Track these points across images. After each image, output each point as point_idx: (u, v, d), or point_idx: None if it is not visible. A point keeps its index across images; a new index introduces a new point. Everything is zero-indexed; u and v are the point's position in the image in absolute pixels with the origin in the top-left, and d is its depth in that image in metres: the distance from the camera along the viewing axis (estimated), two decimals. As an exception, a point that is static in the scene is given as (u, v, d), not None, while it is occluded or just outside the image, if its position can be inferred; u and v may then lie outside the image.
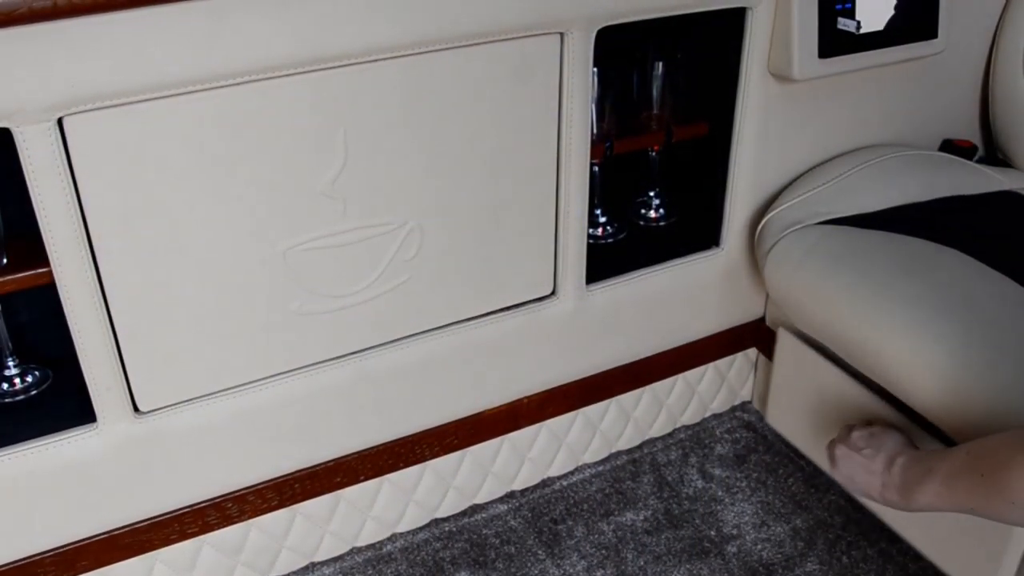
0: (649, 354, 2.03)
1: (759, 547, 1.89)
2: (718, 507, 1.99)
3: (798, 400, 1.99)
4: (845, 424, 1.67)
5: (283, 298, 1.53)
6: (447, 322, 1.73)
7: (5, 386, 1.60)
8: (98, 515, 1.57)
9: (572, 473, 2.08)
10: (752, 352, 2.19)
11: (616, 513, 1.98)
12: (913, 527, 1.78)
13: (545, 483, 2.05)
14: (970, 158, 2.09)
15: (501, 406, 1.88)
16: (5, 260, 1.43)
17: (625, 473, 2.08)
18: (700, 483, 2.05)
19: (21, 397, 1.59)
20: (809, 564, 1.85)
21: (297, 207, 1.47)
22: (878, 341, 1.65)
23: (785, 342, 1.97)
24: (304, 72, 1.38)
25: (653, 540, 1.91)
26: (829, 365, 1.84)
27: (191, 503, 1.64)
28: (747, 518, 1.96)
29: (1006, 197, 1.95)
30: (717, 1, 1.67)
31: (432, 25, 1.43)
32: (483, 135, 1.58)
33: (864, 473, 1.54)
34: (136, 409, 1.52)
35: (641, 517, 1.97)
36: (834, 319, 1.74)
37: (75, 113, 1.26)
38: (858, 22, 1.76)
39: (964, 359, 1.53)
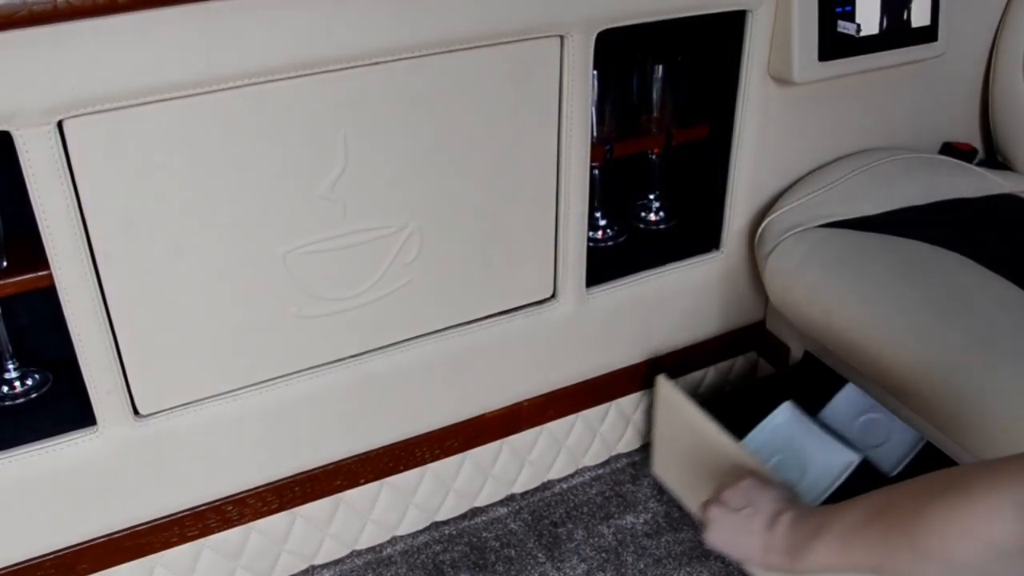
0: (649, 357, 2.03)
1: (759, 550, 1.89)
2: (718, 510, 1.99)
3: (678, 452, 1.90)
4: (719, 483, 1.54)
5: (283, 301, 1.53)
6: (447, 325, 1.73)
7: (5, 389, 1.60)
8: (98, 518, 1.57)
9: (572, 476, 2.08)
10: (752, 355, 2.19)
11: (616, 516, 1.98)
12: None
13: (545, 486, 2.05)
14: (970, 161, 2.09)
15: (501, 409, 1.88)
16: (5, 263, 1.43)
17: (625, 476, 2.08)
18: (700, 486, 2.06)
19: (21, 400, 1.59)
20: (809, 567, 1.85)
21: (297, 210, 1.47)
22: (878, 344, 1.65)
23: (663, 391, 1.88)
24: (304, 75, 1.38)
25: (653, 543, 1.91)
26: (705, 418, 1.74)
27: (191, 506, 1.64)
28: (747, 521, 1.96)
29: (1006, 200, 1.95)
30: (717, 4, 1.67)
31: (432, 28, 1.43)
32: (483, 138, 1.58)
33: (743, 535, 1.39)
34: (136, 412, 1.52)
35: (641, 520, 1.97)
36: (834, 322, 1.74)
37: (75, 116, 1.26)
38: (858, 25, 1.76)
39: (964, 362, 1.53)
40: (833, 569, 1.23)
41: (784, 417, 1.82)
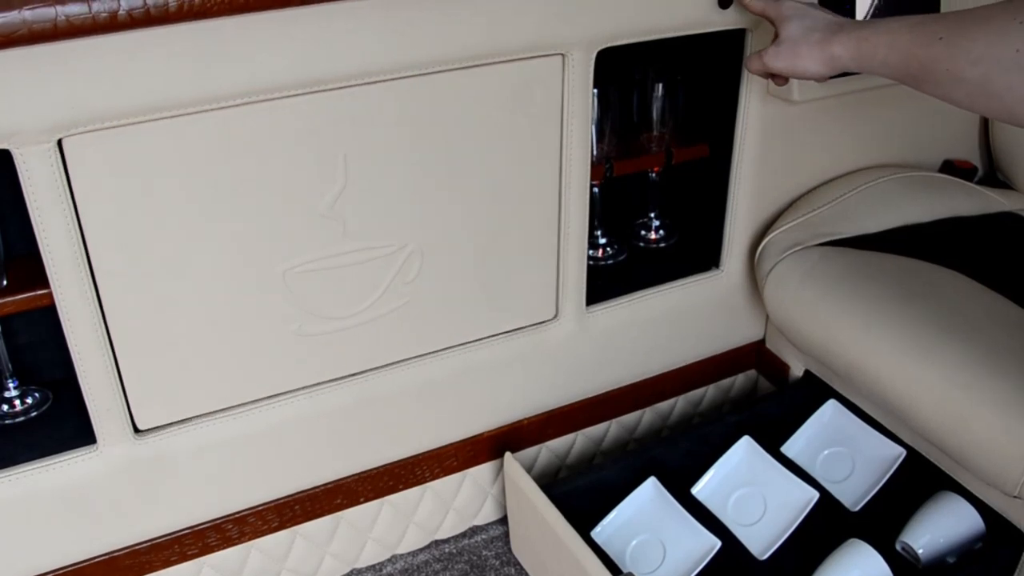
0: (650, 375, 2.03)
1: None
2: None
3: (529, 535, 1.82)
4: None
5: (283, 319, 1.53)
6: (448, 345, 1.73)
7: (5, 407, 1.60)
8: (98, 537, 1.57)
9: (573, 494, 2.07)
10: (752, 374, 2.19)
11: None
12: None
13: (546, 505, 2.05)
14: (970, 179, 2.09)
15: (501, 427, 1.88)
16: (5, 282, 1.43)
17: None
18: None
19: (21, 419, 1.59)
20: None
21: (297, 228, 1.47)
22: (877, 363, 1.65)
23: (512, 473, 1.78)
24: (305, 93, 1.38)
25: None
26: (550, 507, 1.67)
27: (191, 525, 1.64)
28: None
29: (1006, 218, 1.95)
30: (716, 23, 1.68)
31: (434, 47, 1.43)
32: (484, 157, 1.58)
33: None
34: (136, 430, 1.52)
35: (642, 539, 1.96)
36: (833, 341, 1.74)
37: (75, 134, 1.26)
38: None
39: (964, 381, 1.53)
40: (884, 54, 1.28)
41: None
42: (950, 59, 1.17)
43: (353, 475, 1.76)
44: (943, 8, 1.88)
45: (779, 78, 1.53)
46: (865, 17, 1.79)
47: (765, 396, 2.13)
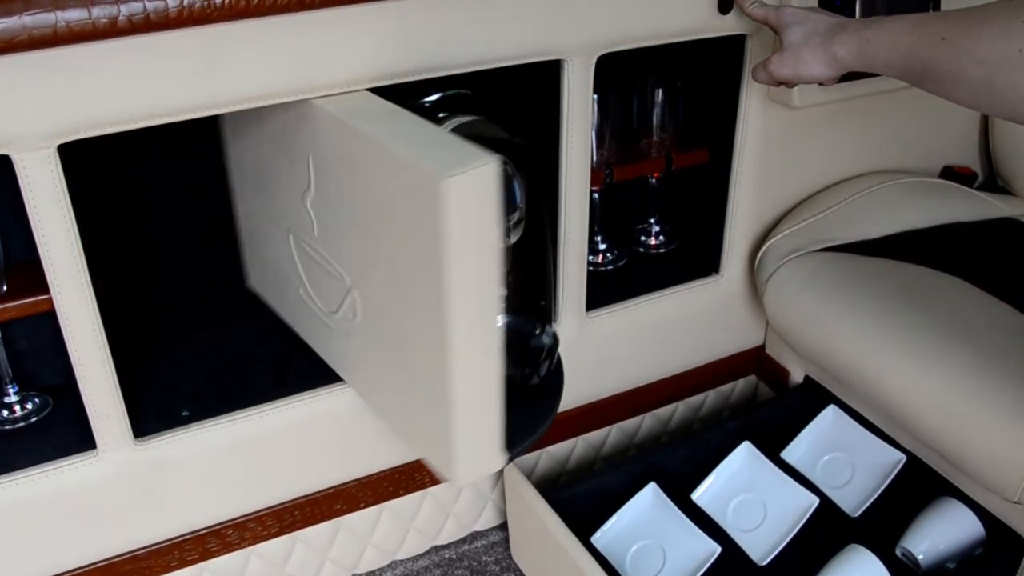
0: (650, 380, 2.02)
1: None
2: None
3: (529, 541, 1.84)
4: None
5: (293, 273, 1.56)
6: (382, 413, 1.55)
7: (5, 413, 1.60)
8: (97, 542, 1.57)
9: (573, 500, 2.07)
10: (752, 379, 2.19)
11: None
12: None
13: (546, 510, 2.05)
14: (970, 185, 2.09)
15: (501, 432, 1.87)
16: (5, 287, 1.43)
17: (626, 500, 2.07)
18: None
19: (21, 424, 1.59)
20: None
21: (290, 203, 1.50)
22: (878, 369, 1.65)
23: (512, 479, 1.79)
24: (298, 99, 1.38)
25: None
26: (551, 513, 1.68)
27: (191, 530, 1.64)
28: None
29: (1006, 224, 1.95)
30: (716, 29, 1.67)
31: (434, 52, 1.43)
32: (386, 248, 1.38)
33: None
34: (136, 436, 1.52)
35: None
36: (834, 347, 1.74)
37: (75, 140, 1.26)
38: (857, 50, 1.76)
39: (964, 387, 1.53)
40: (886, 54, 1.29)
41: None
42: (953, 59, 1.17)
43: (353, 480, 1.76)
44: (943, 6, 1.88)
45: (788, 84, 1.53)
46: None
47: (765, 402, 2.12)
